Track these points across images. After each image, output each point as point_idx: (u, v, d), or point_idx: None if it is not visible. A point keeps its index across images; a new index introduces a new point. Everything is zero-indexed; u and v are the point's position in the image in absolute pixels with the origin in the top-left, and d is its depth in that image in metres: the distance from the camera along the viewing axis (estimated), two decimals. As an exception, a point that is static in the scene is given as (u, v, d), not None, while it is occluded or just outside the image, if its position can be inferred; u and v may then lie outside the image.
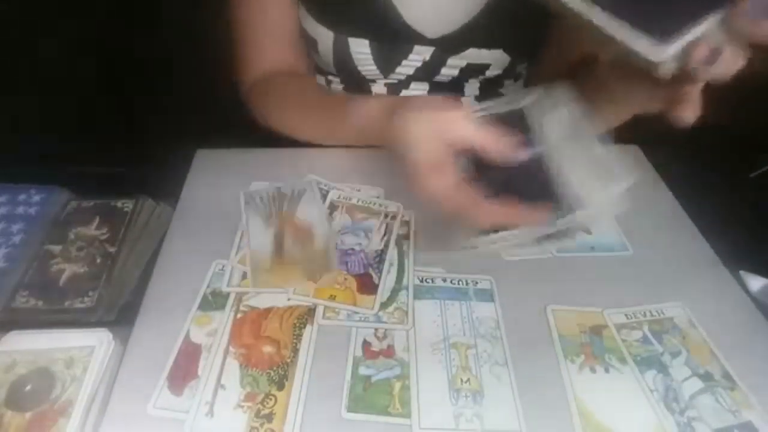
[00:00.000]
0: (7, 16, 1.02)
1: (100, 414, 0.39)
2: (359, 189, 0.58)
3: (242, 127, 0.66)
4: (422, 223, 0.53)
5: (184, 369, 0.41)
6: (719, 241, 0.53)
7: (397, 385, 0.40)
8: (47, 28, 1.05)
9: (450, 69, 0.63)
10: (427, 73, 0.64)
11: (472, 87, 0.67)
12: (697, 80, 0.36)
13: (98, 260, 0.50)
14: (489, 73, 0.64)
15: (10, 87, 0.99)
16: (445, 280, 0.48)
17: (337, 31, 0.61)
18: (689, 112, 0.38)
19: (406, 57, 0.62)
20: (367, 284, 0.47)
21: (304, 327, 0.44)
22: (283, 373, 0.41)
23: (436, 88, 0.66)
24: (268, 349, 0.42)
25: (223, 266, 0.49)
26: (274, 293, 0.46)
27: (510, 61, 0.63)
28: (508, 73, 0.65)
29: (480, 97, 0.68)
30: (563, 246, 0.51)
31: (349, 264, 0.49)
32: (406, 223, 0.54)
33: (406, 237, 0.52)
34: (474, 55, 0.61)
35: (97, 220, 0.54)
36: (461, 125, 0.40)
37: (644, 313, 0.46)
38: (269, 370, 0.41)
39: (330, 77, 0.70)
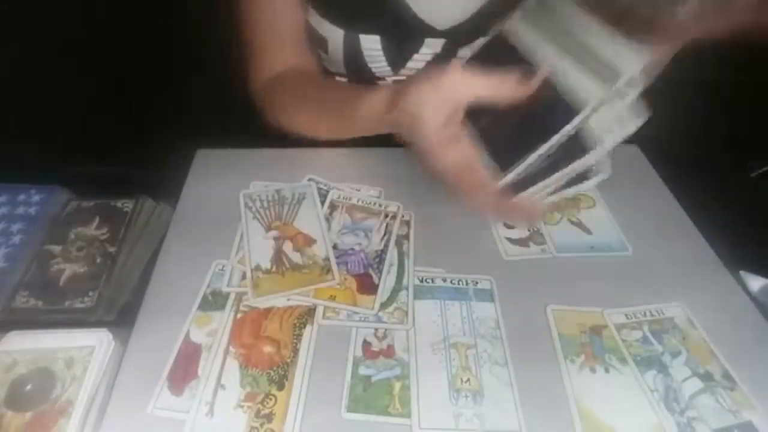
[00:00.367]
0: (7, 16, 1.02)
1: (100, 414, 0.39)
2: (359, 189, 0.58)
3: (242, 127, 0.66)
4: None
5: (184, 369, 0.41)
6: (719, 241, 0.53)
7: (397, 385, 0.40)
8: (47, 28, 1.05)
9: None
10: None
11: None
12: None
13: (98, 260, 0.50)
14: None
15: (10, 87, 0.99)
16: (445, 280, 0.48)
17: (348, 29, 0.60)
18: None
19: (417, 51, 0.62)
20: (367, 284, 0.47)
21: (304, 327, 0.44)
22: (283, 373, 0.41)
23: None
24: (268, 349, 0.42)
25: (223, 266, 0.49)
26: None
27: None
28: None
29: None
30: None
31: (349, 264, 0.49)
32: (406, 223, 0.54)
33: (406, 237, 0.52)
34: None
35: (97, 220, 0.54)
36: (462, 81, 0.40)
37: (644, 313, 0.46)
38: (269, 370, 0.41)
39: (337, 78, 0.70)
